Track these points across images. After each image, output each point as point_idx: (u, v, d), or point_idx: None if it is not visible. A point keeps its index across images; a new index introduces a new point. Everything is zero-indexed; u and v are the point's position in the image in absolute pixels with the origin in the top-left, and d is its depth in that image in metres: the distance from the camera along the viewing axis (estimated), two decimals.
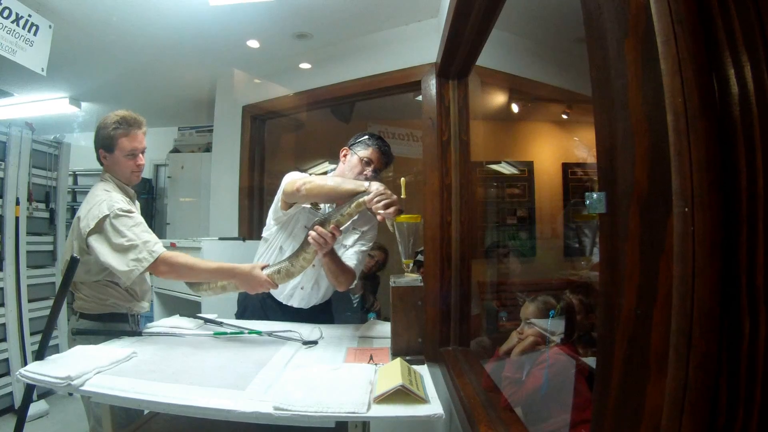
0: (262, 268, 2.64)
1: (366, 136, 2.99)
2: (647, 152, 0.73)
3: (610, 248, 0.81)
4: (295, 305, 3.08)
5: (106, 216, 2.51)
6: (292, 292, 3.05)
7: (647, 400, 0.71)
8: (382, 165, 2.97)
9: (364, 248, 3.09)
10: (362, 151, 2.94)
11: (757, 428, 0.65)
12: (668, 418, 0.68)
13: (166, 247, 2.70)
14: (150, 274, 2.61)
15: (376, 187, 2.45)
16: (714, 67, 0.71)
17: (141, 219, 2.66)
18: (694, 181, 0.67)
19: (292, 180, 2.71)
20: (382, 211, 2.38)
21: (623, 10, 0.78)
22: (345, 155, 3.01)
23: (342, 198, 2.61)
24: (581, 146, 4.97)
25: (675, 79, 0.69)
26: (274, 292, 3.02)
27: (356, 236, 3.07)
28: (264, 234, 3.08)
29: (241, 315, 3.20)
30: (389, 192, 2.43)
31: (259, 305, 3.08)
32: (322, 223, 2.55)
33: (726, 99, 0.70)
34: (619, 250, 0.78)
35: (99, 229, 2.51)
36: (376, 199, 2.40)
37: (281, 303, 3.08)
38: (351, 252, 3.02)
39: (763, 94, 0.66)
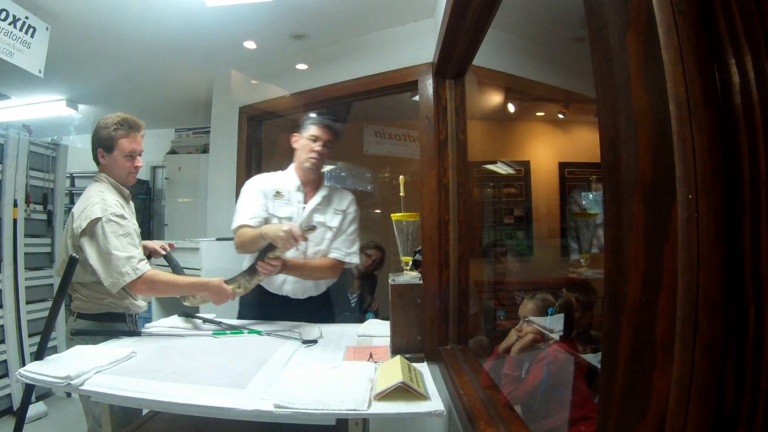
0: (226, 282, 2.87)
1: (309, 117, 3.21)
2: (650, 141, 0.73)
3: (614, 237, 0.81)
4: (290, 295, 3.16)
5: (98, 219, 2.54)
6: (284, 278, 3.14)
7: (654, 387, 0.72)
8: (329, 137, 3.15)
9: (351, 228, 3.28)
10: (307, 131, 3.13)
11: (763, 413, 0.65)
12: (675, 404, 0.69)
13: (162, 250, 2.77)
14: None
15: (269, 233, 2.81)
16: (715, 57, 0.71)
17: (131, 228, 2.69)
18: (698, 168, 0.67)
19: (235, 242, 3.08)
20: (297, 244, 2.79)
21: (624, 1, 0.79)
22: (296, 140, 3.21)
23: (256, 246, 2.94)
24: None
25: (677, 69, 0.70)
26: (265, 284, 3.13)
27: (340, 217, 3.22)
28: None
29: (240, 313, 3.29)
30: (281, 234, 2.74)
31: (257, 302, 3.18)
32: (261, 256, 2.91)
33: (727, 88, 0.70)
34: (623, 238, 0.78)
35: (90, 231, 2.55)
36: (286, 246, 2.79)
37: (276, 295, 3.16)
38: (339, 241, 3.21)
39: (764, 83, 0.67)
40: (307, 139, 3.12)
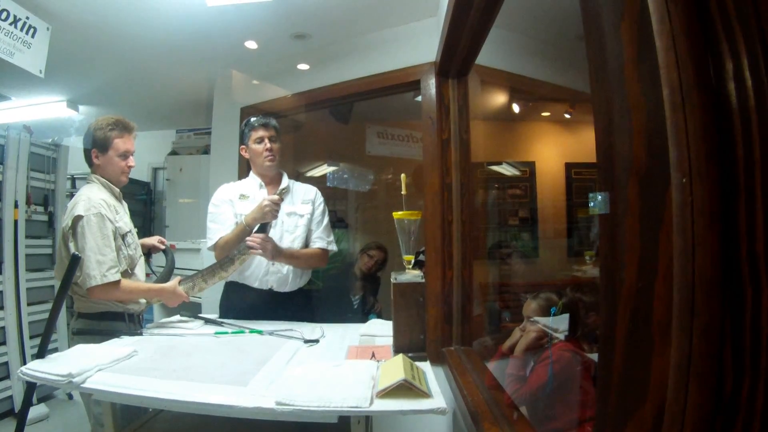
0: (180, 282, 2.98)
1: (243, 125, 3.42)
2: (644, 127, 0.74)
3: (610, 223, 0.81)
4: (274, 287, 3.24)
5: (80, 217, 2.59)
6: (266, 271, 3.24)
7: (652, 373, 0.72)
8: (271, 131, 3.32)
9: (326, 220, 3.47)
10: (250, 137, 3.32)
11: (764, 395, 0.65)
12: (674, 389, 0.69)
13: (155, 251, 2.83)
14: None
15: (252, 215, 3.06)
16: (708, 43, 0.72)
17: (109, 232, 2.70)
18: (691, 152, 0.67)
19: (214, 247, 3.26)
20: (278, 206, 3.01)
21: None
22: (245, 151, 3.42)
23: (241, 238, 3.08)
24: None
25: (669, 55, 0.70)
26: (248, 280, 3.23)
27: (309, 206, 3.39)
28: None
29: (221, 313, 3.32)
30: (259, 207, 3.02)
31: (240, 300, 3.27)
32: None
33: (720, 73, 0.71)
34: (619, 224, 0.79)
35: (73, 228, 2.61)
36: (269, 216, 3.01)
37: (261, 290, 3.23)
38: (319, 233, 3.38)
39: (757, 67, 0.67)
40: (254, 143, 3.31)
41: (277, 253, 3.09)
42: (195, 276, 3.05)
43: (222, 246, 3.14)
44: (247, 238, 3.00)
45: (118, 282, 2.65)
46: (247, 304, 3.20)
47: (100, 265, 2.57)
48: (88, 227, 2.58)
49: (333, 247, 3.44)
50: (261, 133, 3.28)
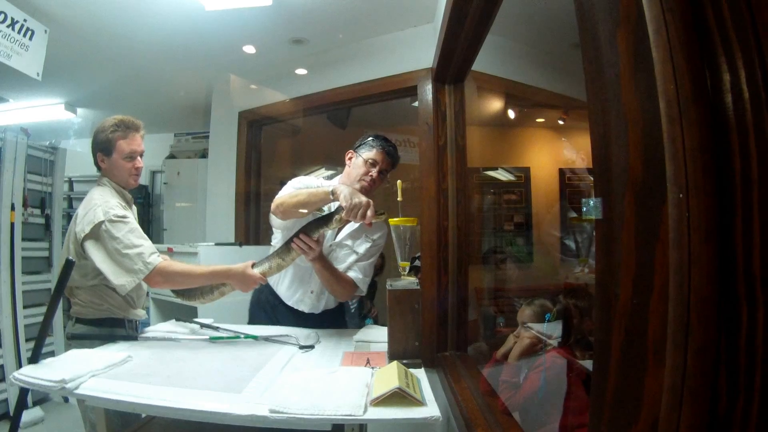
0: (252, 266, 2.70)
1: (371, 138, 2.98)
2: (641, 140, 0.73)
3: (605, 237, 0.81)
4: (306, 310, 3.06)
5: (101, 221, 2.51)
6: (302, 297, 3.04)
7: (646, 390, 0.71)
8: (387, 165, 2.95)
9: (372, 259, 3.06)
10: (366, 152, 2.92)
11: (758, 414, 0.65)
12: (668, 407, 0.68)
13: (162, 251, 2.74)
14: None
15: (343, 193, 2.52)
16: (705, 55, 0.71)
17: (136, 225, 2.66)
18: (688, 167, 0.67)
19: (275, 201, 2.75)
20: (362, 220, 2.49)
21: (614, 1, 0.79)
22: (350, 158, 2.99)
23: (316, 205, 2.67)
24: (570, 148, 4.97)
25: (666, 67, 0.70)
26: (284, 296, 3.05)
27: (368, 245, 3.02)
28: (272, 242, 3.08)
29: (250, 319, 3.21)
30: (358, 197, 2.50)
31: (272, 312, 3.11)
32: (307, 230, 2.66)
33: (718, 85, 0.70)
34: (614, 239, 0.78)
35: (94, 234, 2.53)
36: (352, 214, 2.48)
37: (293, 308, 3.06)
38: (359, 266, 3.00)
39: (755, 80, 0.67)
40: (365, 160, 2.91)
41: (316, 260, 2.75)
42: (271, 256, 2.79)
43: (291, 195, 2.71)
44: (297, 238, 2.66)
45: (164, 264, 2.58)
46: (275, 314, 3.08)
47: (140, 255, 2.51)
48: (113, 228, 2.52)
49: (363, 288, 3.02)
50: (380, 158, 2.91)
